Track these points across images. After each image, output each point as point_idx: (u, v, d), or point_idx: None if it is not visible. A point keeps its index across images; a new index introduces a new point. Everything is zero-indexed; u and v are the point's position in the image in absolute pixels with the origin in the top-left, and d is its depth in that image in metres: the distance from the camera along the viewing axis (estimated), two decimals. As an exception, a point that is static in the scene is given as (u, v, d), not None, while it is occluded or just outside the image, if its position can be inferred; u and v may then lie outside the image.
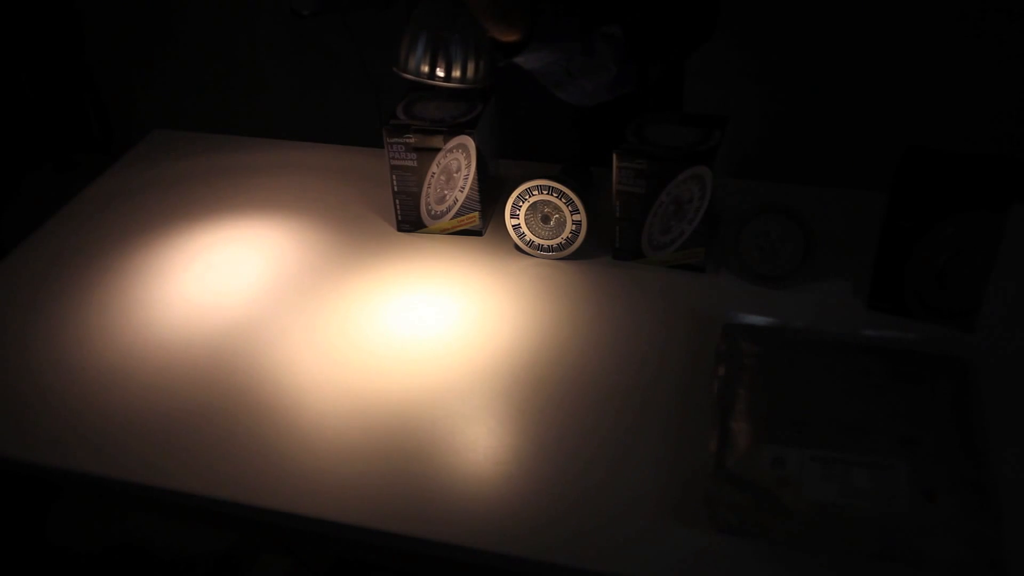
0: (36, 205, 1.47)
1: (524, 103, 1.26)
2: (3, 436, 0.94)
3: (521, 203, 1.13)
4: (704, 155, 1.04)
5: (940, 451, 0.79)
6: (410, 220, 1.22)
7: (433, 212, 1.20)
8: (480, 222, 1.20)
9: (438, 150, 1.15)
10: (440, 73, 1.06)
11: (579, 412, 0.93)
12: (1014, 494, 0.80)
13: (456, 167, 1.16)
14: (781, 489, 0.77)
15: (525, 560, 0.79)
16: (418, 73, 1.07)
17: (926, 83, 2.02)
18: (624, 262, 1.14)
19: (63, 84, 2.66)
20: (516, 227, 1.15)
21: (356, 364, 1.01)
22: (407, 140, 1.15)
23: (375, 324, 1.06)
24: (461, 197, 1.18)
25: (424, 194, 1.19)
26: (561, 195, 1.10)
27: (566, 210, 1.11)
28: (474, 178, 1.16)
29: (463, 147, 1.14)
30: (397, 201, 1.20)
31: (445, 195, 1.18)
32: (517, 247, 1.17)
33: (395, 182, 1.19)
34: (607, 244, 1.15)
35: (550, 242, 1.14)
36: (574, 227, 1.12)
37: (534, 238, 1.15)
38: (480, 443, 0.90)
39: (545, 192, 1.11)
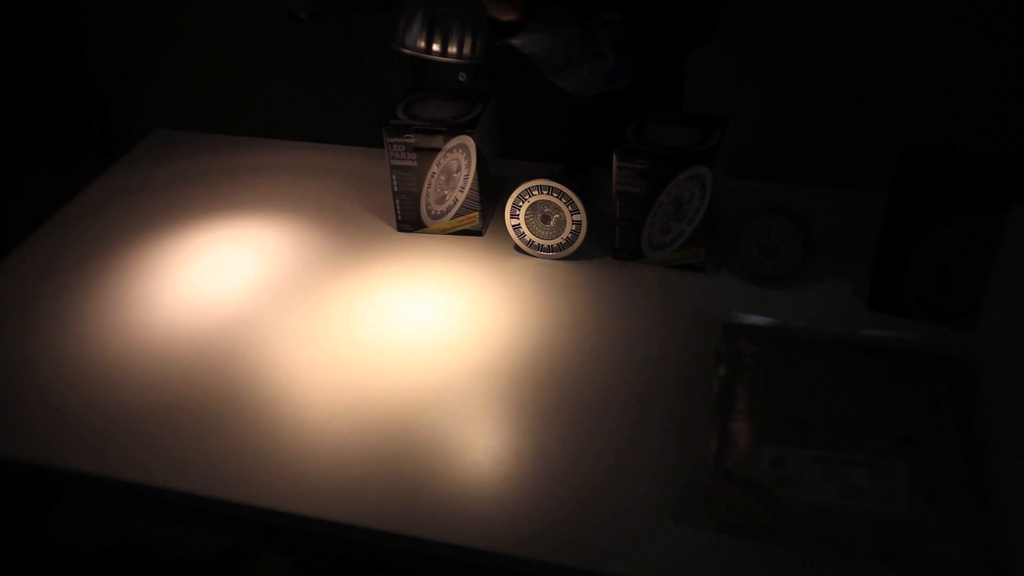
0: (36, 205, 1.47)
1: (524, 103, 1.26)
2: (3, 436, 0.94)
3: (521, 203, 1.13)
4: (704, 155, 1.04)
5: (940, 451, 0.79)
6: (410, 220, 1.22)
7: (433, 212, 1.20)
8: (480, 222, 1.20)
9: (438, 150, 1.15)
10: (436, 48, 1.06)
11: (579, 412, 0.93)
12: (1014, 494, 0.80)
13: (456, 167, 1.16)
14: (781, 489, 0.77)
15: (525, 560, 0.79)
16: (415, 48, 1.07)
17: (926, 83, 2.02)
18: (624, 262, 1.14)
19: (63, 84, 2.66)
20: (516, 227, 1.15)
21: (357, 364, 1.01)
22: (407, 140, 1.15)
23: (375, 324, 1.06)
24: (461, 197, 1.18)
25: (424, 194, 1.19)
26: (561, 195, 1.10)
27: (566, 210, 1.11)
28: (474, 178, 1.16)
29: (463, 147, 1.14)
30: (397, 201, 1.20)
31: (445, 195, 1.18)
32: (517, 247, 1.17)
33: (395, 182, 1.19)
34: (607, 244, 1.15)
35: (550, 242, 1.14)
36: (574, 227, 1.12)
37: (534, 238, 1.15)
38: (480, 443, 0.90)
39: (545, 192, 1.11)
